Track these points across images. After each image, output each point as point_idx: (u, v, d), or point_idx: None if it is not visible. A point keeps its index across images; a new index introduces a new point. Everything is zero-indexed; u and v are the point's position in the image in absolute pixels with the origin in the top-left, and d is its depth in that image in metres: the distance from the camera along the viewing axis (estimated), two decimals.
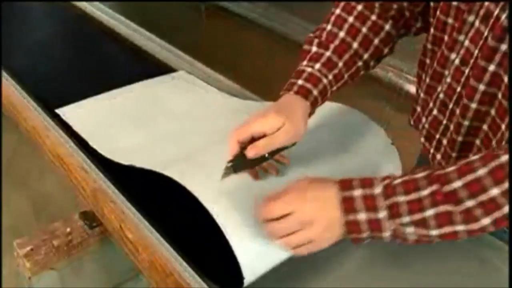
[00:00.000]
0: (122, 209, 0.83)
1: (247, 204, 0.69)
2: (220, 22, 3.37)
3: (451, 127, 0.76)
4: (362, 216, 0.61)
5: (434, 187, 0.58)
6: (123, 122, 1.01)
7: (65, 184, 1.01)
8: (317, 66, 0.77)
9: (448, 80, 0.75)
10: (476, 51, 0.68)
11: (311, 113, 0.76)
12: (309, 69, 0.76)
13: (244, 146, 0.69)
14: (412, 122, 0.88)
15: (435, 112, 0.79)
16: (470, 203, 0.56)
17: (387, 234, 0.61)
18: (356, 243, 0.64)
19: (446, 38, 0.75)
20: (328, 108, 0.90)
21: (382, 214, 0.60)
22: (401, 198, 0.59)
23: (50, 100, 1.08)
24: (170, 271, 0.73)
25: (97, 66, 1.29)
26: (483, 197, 0.56)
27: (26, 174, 2.01)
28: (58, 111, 1.04)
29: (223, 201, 0.70)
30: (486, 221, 0.57)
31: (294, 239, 0.64)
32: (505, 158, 0.56)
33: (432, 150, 0.82)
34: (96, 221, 0.98)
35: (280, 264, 0.69)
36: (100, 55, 1.37)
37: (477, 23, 0.68)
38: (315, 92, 0.75)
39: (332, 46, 0.78)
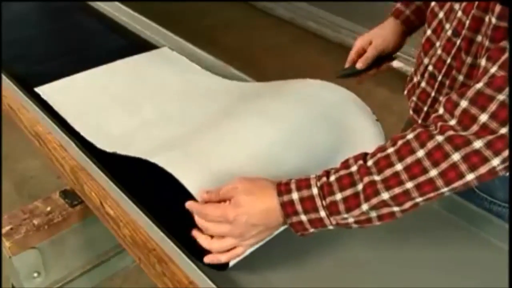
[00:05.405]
0: (102, 186, 0.83)
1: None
2: None
3: (440, 99, 0.76)
4: (303, 217, 0.62)
5: (366, 179, 0.59)
6: (104, 102, 0.98)
7: (47, 163, 1.00)
8: None
9: (439, 52, 0.75)
10: (468, 22, 0.68)
11: (409, 32, 0.93)
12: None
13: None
14: (406, 92, 0.89)
15: (423, 84, 0.80)
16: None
17: (331, 227, 0.63)
18: (302, 236, 0.65)
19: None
20: (312, 85, 0.89)
21: (323, 213, 0.61)
22: (338, 196, 0.60)
23: (30, 79, 1.05)
24: (153, 246, 0.73)
25: (77, 44, 1.26)
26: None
27: (7, 154, 1.99)
28: (37, 89, 1.01)
29: (207, 184, 0.69)
30: (409, 185, 0.57)
31: (224, 246, 0.64)
32: (410, 136, 0.58)
33: (420, 122, 0.82)
34: (77, 199, 0.97)
35: (274, 244, 0.69)
36: (80, 32, 1.33)
37: None
38: (407, 12, 0.91)
39: None
